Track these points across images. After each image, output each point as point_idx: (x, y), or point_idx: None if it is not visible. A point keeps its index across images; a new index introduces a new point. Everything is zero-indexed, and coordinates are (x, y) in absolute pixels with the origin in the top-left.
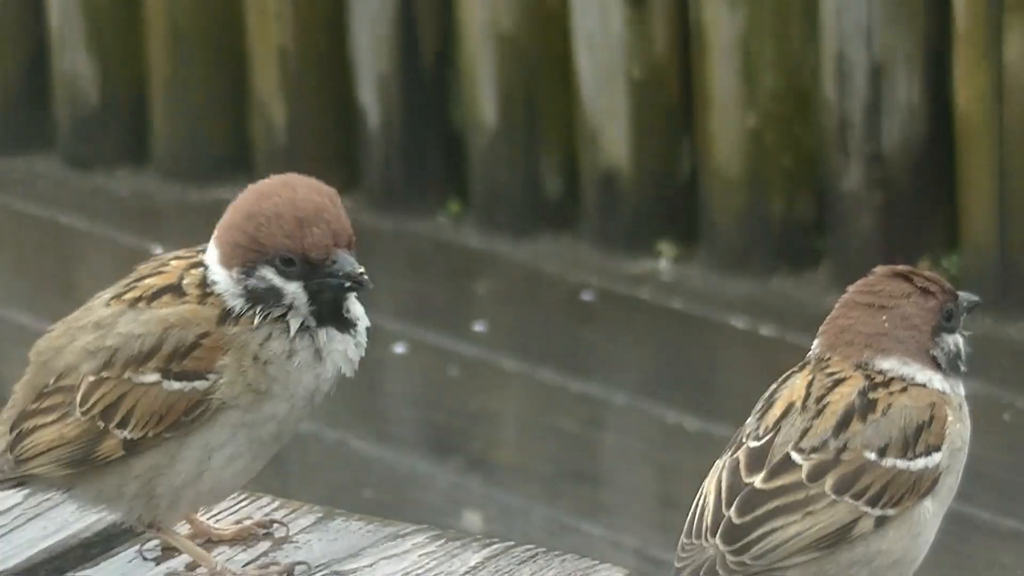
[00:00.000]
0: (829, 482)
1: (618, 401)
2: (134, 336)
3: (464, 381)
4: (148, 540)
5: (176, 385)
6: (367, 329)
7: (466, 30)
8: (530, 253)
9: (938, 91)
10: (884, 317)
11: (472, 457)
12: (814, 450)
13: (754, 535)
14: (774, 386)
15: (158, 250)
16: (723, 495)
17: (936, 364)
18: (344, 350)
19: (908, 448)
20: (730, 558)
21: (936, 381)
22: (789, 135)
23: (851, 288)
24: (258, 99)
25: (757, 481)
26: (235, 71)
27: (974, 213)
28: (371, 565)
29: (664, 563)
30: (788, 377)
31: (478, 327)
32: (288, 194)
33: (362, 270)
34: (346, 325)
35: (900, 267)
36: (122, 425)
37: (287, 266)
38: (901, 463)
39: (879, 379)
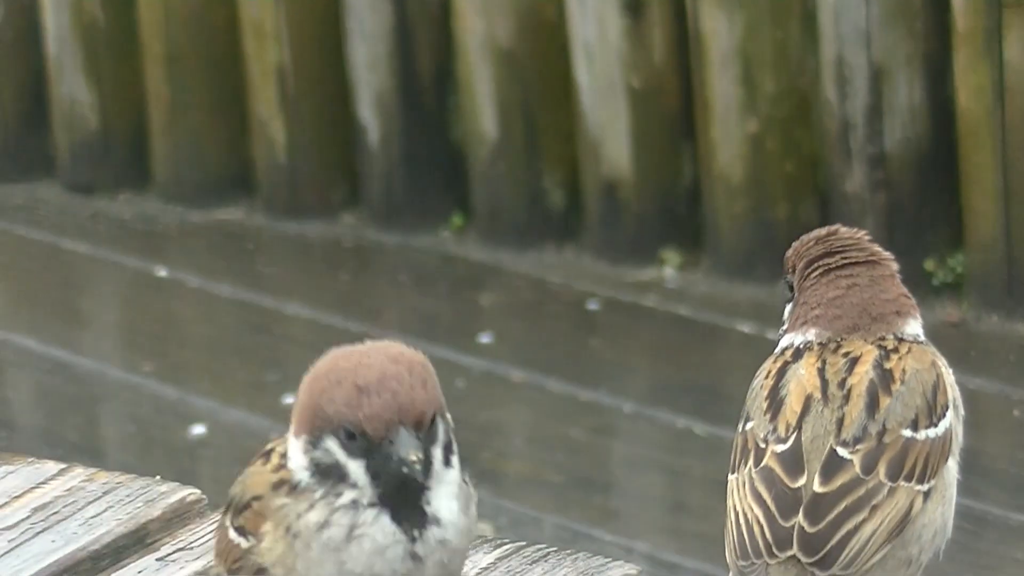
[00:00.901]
0: (882, 470)
1: (626, 409)
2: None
3: (472, 393)
4: (165, 547)
5: (232, 534)
6: (457, 535)
7: (463, 44)
8: (534, 265)
9: (939, 91)
10: (889, 272)
11: (482, 468)
12: (857, 440)
13: (834, 542)
14: (768, 382)
15: (162, 272)
16: (772, 506)
17: (918, 311)
18: (385, 547)
19: (932, 414)
20: (818, 572)
21: (922, 332)
22: (790, 139)
23: (810, 262)
24: (258, 119)
25: (816, 485)
26: (234, 92)
27: (978, 211)
28: None
29: (675, 567)
30: (782, 371)
31: (484, 339)
32: (358, 359)
33: (415, 457)
34: (413, 523)
35: (813, 233)
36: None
37: (350, 440)
38: (932, 432)
39: (891, 346)
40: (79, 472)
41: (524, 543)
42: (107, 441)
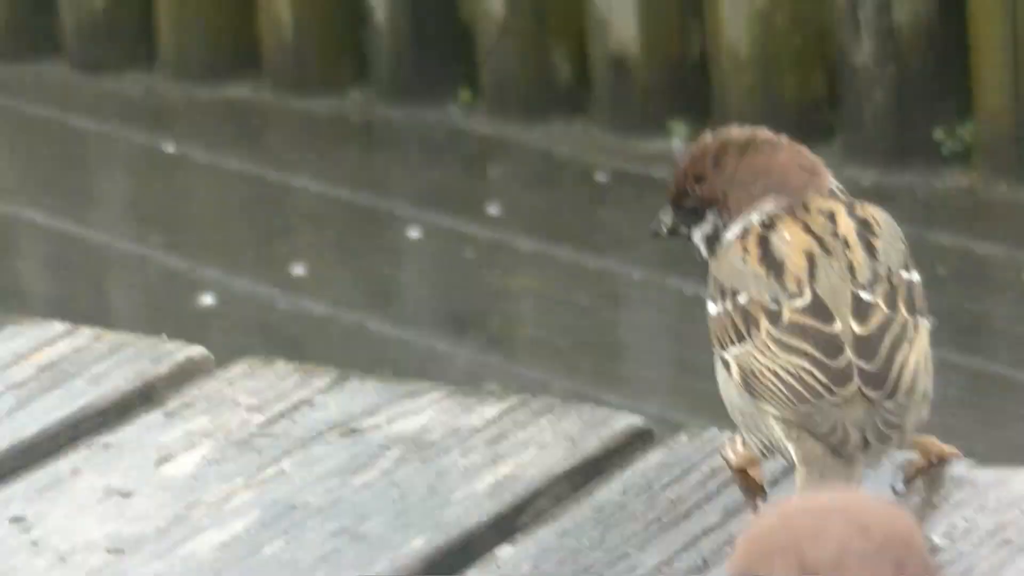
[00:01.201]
0: (902, 308)
1: (635, 276)
2: None
3: (480, 262)
4: (172, 403)
5: None
6: None
7: None
8: (543, 137)
9: None
10: (782, 136)
11: (490, 335)
12: (871, 283)
13: (893, 375)
14: (752, 252)
15: (170, 148)
16: (815, 352)
17: None
18: None
19: (909, 259)
20: (887, 403)
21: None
22: (799, 13)
23: (717, 153)
24: None
25: (855, 328)
26: None
27: (987, 82)
28: (389, 421)
29: (683, 425)
30: (763, 240)
31: (492, 210)
32: (814, 521)
33: None
34: None
35: (693, 145)
36: None
37: None
38: (915, 275)
39: (844, 198)
40: (86, 332)
41: (530, 395)
42: (116, 311)
